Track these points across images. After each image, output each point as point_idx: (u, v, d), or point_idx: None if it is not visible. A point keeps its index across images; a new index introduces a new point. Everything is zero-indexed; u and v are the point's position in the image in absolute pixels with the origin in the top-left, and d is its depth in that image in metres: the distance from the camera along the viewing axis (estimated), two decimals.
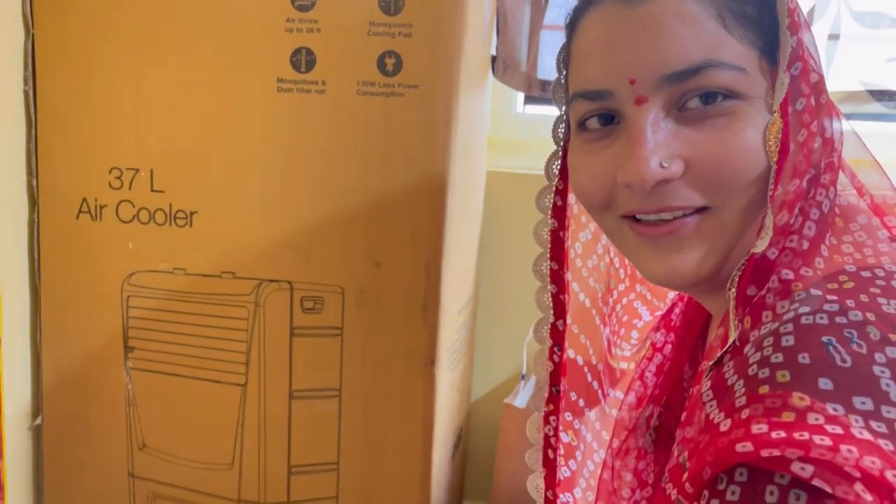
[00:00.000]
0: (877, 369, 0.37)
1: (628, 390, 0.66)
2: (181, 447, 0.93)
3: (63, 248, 0.92)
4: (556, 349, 0.61)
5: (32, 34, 0.88)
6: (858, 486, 0.34)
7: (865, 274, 0.43)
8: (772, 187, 0.45)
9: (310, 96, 0.85)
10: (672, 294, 0.70)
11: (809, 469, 0.35)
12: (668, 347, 0.65)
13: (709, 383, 0.43)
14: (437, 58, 0.84)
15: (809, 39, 0.48)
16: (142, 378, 0.92)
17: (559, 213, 0.61)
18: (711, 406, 0.41)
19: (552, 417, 0.62)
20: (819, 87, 0.47)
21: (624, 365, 0.73)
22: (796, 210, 0.45)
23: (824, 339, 0.39)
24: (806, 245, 0.45)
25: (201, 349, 0.90)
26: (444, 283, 0.88)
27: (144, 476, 0.94)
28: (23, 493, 0.95)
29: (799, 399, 0.37)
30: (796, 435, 0.36)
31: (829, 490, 0.34)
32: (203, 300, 0.89)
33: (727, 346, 0.44)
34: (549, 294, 0.62)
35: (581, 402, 0.65)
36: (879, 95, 1.02)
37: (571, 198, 0.62)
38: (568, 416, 0.64)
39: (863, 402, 0.36)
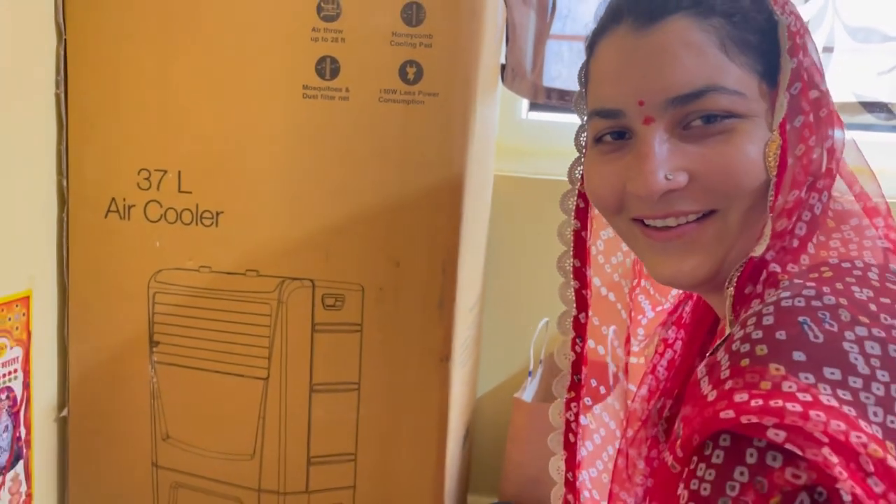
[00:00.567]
0: (846, 345, 0.42)
1: (641, 383, 0.71)
2: (204, 438, 0.96)
3: (91, 246, 0.95)
4: (577, 340, 0.66)
5: (65, 40, 0.91)
6: (825, 450, 0.38)
7: (845, 265, 0.47)
8: (772, 198, 0.50)
9: (334, 103, 0.89)
10: (675, 290, 0.74)
11: (782, 434, 0.39)
12: (679, 343, 0.69)
13: (703, 363, 0.48)
14: (456, 67, 0.88)
15: (811, 59, 0.52)
16: (166, 371, 0.96)
17: (581, 214, 0.66)
18: (704, 382, 0.46)
19: (573, 404, 0.66)
20: (820, 103, 0.52)
21: (633, 360, 0.77)
22: (794, 218, 0.50)
23: (800, 318, 0.43)
24: (795, 243, 0.50)
25: (225, 344, 0.94)
26: (459, 281, 0.92)
27: (167, 466, 0.98)
28: (49, 481, 0.98)
29: (775, 370, 0.41)
30: (772, 403, 0.40)
31: (800, 453, 0.39)
32: (227, 297, 0.93)
33: (723, 338, 0.48)
34: (573, 289, 0.66)
35: (602, 390, 0.69)
36: (871, 107, 1.07)
37: None
38: (588, 401, 0.68)
39: (832, 373, 0.41)
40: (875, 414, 0.41)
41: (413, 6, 0.86)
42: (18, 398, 0.90)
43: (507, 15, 1.13)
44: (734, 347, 0.44)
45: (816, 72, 0.53)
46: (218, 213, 0.92)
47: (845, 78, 1.09)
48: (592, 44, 0.57)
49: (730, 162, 0.50)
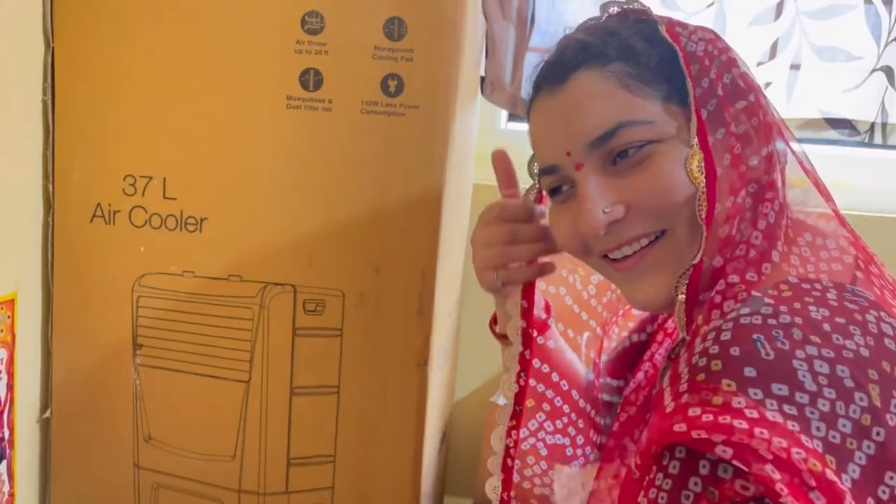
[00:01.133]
0: (795, 363, 0.45)
1: (637, 370, 0.74)
2: (185, 439, 0.98)
3: (76, 250, 0.97)
4: (521, 374, 0.69)
5: (52, 47, 0.93)
6: (769, 467, 0.42)
7: (805, 286, 0.50)
8: (701, 208, 0.54)
9: (317, 113, 0.91)
10: None
11: (730, 451, 0.43)
12: (676, 335, 0.71)
13: (668, 373, 0.51)
14: (436, 81, 0.91)
15: (732, 75, 0.56)
16: (149, 374, 0.98)
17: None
18: (667, 392, 0.49)
19: (513, 431, 0.69)
20: (750, 112, 0.56)
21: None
22: (736, 222, 0.54)
23: (754, 335, 0.46)
24: (753, 253, 0.53)
25: (207, 347, 0.96)
26: (437, 288, 0.94)
27: (149, 467, 0.99)
28: (31, 482, 1.00)
29: (727, 385, 0.44)
30: (720, 419, 0.43)
31: (746, 469, 0.42)
32: (210, 301, 0.95)
33: (677, 341, 0.52)
34: (519, 328, 0.69)
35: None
36: (835, 123, 1.11)
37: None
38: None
39: (780, 389, 0.44)
40: (818, 429, 0.43)
41: (395, 21, 0.89)
42: (2, 399, 0.92)
43: (486, 28, 1.17)
44: (693, 361, 0.47)
45: (742, 85, 0.56)
46: (202, 220, 0.94)
47: (812, 95, 1.13)
48: (528, 112, 0.64)
49: (656, 183, 0.55)
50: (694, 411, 0.45)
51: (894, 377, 0.46)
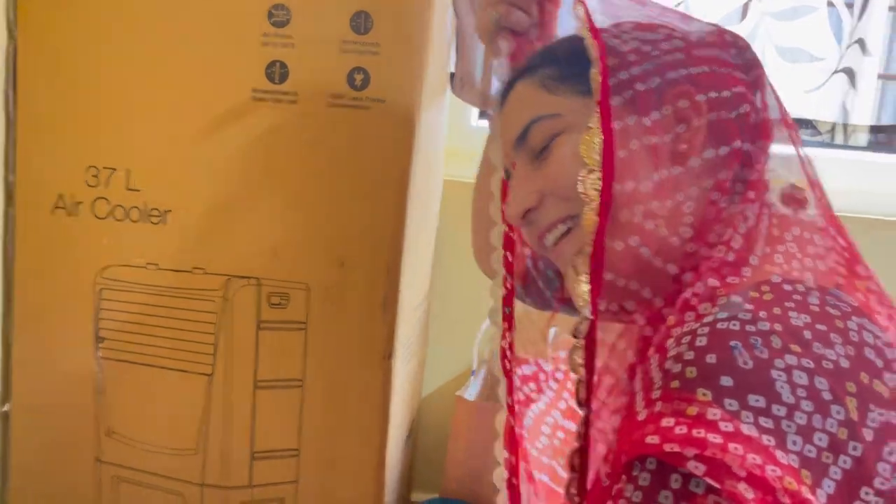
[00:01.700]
0: (774, 373, 0.43)
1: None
2: (148, 433, 0.97)
3: (37, 241, 0.96)
4: (507, 277, 0.69)
5: (16, 38, 0.92)
6: (742, 485, 0.41)
7: (787, 287, 0.49)
8: (597, 189, 0.54)
9: (282, 106, 0.91)
10: None
11: (702, 468, 0.42)
12: None
13: (639, 375, 0.50)
14: (402, 75, 0.91)
15: (676, 73, 0.56)
16: (111, 367, 0.97)
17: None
18: (639, 397, 0.48)
19: (507, 333, 0.68)
20: (698, 107, 0.55)
21: None
22: (641, 209, 0.53)
23: (732, 342, 0.44)
24: (732, 257, 0.52)
25: (170, 340, 0.95)
26: (402, 282, 0.95)
27: (110, 461, 0.98)
28: None
29: (702, 395, 0.43)
30: (694, 432, 0.42)
31: (718, 486, 0.41)
32: (174, 294, 0.95)
33: (580, 319, 0.52)
34: (502, 233, 0.70)
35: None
36: (799, 124, 1.13)
37: None
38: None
39: (756, 400, 0.42)
40: (794, 443, 0.42)
41: (362, 15, 0.89)
42: None
43: (456, 24, 1.17)
44: (667, 366, 0.46)
45: (702, 83, 0.56)
46: (166, 212, 0.94)
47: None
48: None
49: (558, 169, 0.57)
50: (667, 422, 0.43)
51: (872, 390, 0.45)
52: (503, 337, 0.68)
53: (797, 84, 1.14)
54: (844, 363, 0.45)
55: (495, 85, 0.68)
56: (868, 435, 0.44)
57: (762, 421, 0.42)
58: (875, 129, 1.14)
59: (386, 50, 0.90)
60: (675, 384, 0.44)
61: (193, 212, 0.94)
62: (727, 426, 0.42)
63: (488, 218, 0.72)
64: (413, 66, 0.91)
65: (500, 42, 0.68)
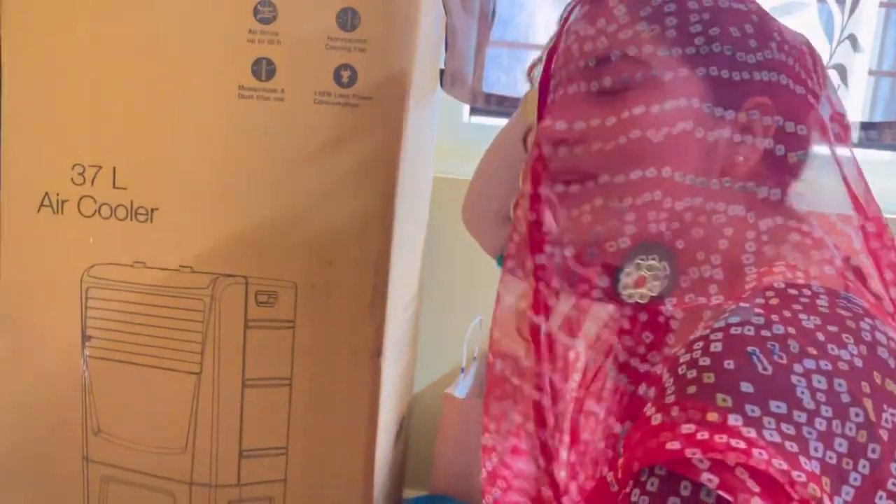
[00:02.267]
0: (794, 378, 0.42)
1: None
2: (136, 432, 0.97)
3: (24, 240, 0.95)
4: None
5: None
6: (756, 500, 0.39)
7: (792, 291, 0.47)
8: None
9: (269, 103, 0.90)
10: None
11: (715, 480, 0.40)
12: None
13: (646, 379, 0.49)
14: (390, 72, 0.90)
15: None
16: (99, 366, 0.96)
17: None
18: (650, 404, 0.46)
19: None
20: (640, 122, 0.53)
21: None
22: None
23: (749, 349, 0.43)
24: (726, 267, 0.51)
25: (158, 339, 0.95)
26: (391, 281, 0.94)
27: (98, 460, 0.98)
28: None
29: (722, 400, 0.41)
30: (717, 438, 0.41)
31: (730, 499, 0.40)
32: (161, 293, 0.94)
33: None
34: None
35: None
36: None
37: None
38: None
39: (778, 406, 0.41)
40: (815, 449, 0.41)
41: (348, 11, 0.89)
42: None
43: (447, 21, 1.16)
44: (680, 371, 0.45)
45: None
46: (153, 210, 0.93)
47: None
48: None
49: (624, 127, 0.53)
50: (687, 428, 0.42)
51: (885, 390, 0.44)
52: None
53: None
54: (858, 363, 0.44)
55: None
56: (885, 436, 0.43)
57: (784, 427, 0.41)
58: (866, 126, 1.13)
59: (373, 47, 0.89)
60: (691, 390, 0.43)
61: (180, 210, 0.93)
62: (750, 432, 0.41)
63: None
64: (401, 63, 0.91)
65: None
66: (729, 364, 0.43)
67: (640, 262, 0.54)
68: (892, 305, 0.52)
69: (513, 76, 1.35)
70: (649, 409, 0.45)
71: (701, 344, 0.45)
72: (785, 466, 0.40)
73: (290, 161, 0.91)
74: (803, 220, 0.54)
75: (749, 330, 0.44)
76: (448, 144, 1.31)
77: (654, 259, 0.54)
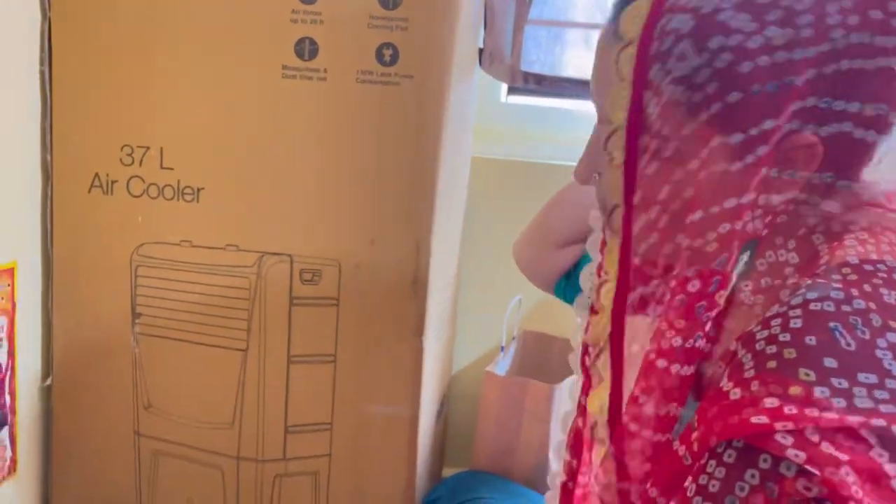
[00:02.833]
0: (879, 352, 0.41)
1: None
2: (184, 407, 0.99)
3: (75, 220, 0.97)
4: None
5: (49, 17, 0.93)
6: (843, 470, 0.39)
7: (868, 267, 0.46)
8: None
9: (312, 83, 0.91)
10: None
11: (802, 455, 0.40)
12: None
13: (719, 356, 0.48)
14: (431, 50, 0.91)
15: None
16: (148, 343, 0.99)
17: None
18: (724, 379, 0.45)
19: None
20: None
21: None
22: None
23: (831, 324, 0.42)
24: (807, 245, 0.50)
25: (205, 316, 0.97)
26: (432, 259, 0.95)
27: (149, 434, 1.01)
28: (33, 448, 1.01)
29: (805, 375, 0.41)
30: (807, 411, 0.40)
31: (817, 473, 0.40)
32: (208, 271, 0.96)
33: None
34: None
35: None
36: None
37: None
38: None
39: (867, 377, 0.41)
40: None
41: None
42: (3, 367, 0.93)
43: (485, 0, 1.16)
44: (758, 347, 0.44)
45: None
46: (199, 189, 0.95)
47: None
48: None
49: None
50: (770, 402, 0.41)
51: None
52: (586, 331, 0.61)
53: None
54: None
55: None
56: None
57: (877, 394, 0.40)
58: None
59: (415, 25, 0.89)
60: (771, 364, 0.43)
61: (226, 189, 0.95)
62: (839, 402, 0.40)
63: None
64: (442, 41, 0.91)
65: None
66: (810, 340, 0.42)
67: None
68: None
69: (551, 55, 1.34)
70: (726, 385, 0.45)
71: (780, 320, 0.44)
72: (884, 423, 0.39)
73: (333, 140, 0.92)
74: (873, 197, 0.53)
75: (829, 305, 0.43)
76: (485, 125, 1.31)
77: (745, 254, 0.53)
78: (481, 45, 1.18)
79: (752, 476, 0.42)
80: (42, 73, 0.95)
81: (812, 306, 0.44)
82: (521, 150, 1.30)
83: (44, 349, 1.01)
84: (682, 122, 0.49)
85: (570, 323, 0.74)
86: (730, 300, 0.54)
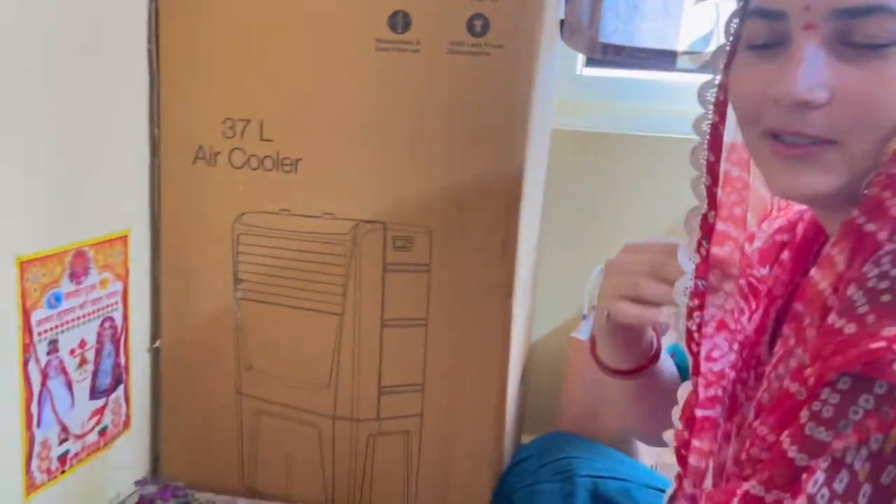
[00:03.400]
0: None
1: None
2: (283, 369, 1.05)
3: (181, 190, 1.03)
4: (703, 241, 0.60)
5: None
6: None
7: None
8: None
9: (405, 55, 0.94)
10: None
11: None
12: (788, 262, 0.66)
13: (827, 292, 0.48)
14: (521, 20, 0.92)
15: None
16: (249, 307, 1.04)
17: (721, 107, 0.61)
18: (835, 316, 0.46)
19: (696, 313, 0.60)
20: None
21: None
22: None
23: None
24: None
25: (303, 282, 1.01)
26: (521, 223, 0.97)
27: (250, 394, 1.06)
28: (144, 406, 1.08)
29: None
30: None
31: None
32: (306, 238, 1.00)
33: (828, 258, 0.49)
34: (704, 185, 0.61)
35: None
36: None
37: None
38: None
39: None
40: None
41: None
42: (119, 329, 1.00)
43: None
44: (870, 285, 0.45)
45: None
46: (297, 160, 0.99)
47: None
48: None
49: (874, 93, 0.49)
50: (891, 329, 0.42)
51: None
52: (689, 317, 0.60)
53: None
54: None
55: None
56: None
57: None
58: None
59: None
60: (885, 298, 0.44)
61: (322, 160, 0.99)
62: None
63: None
64: (531, 11, 0.93)
65: None
66: None
67: None
68: None
69: (629, 26, 1.34)
70: (838, 322, 0.46)
71: (889, 258, 0.45)
72: None
73: (425, 111, 0.95)
74: None
75: None
76: (563, 96, 1.32)
77: None
78: (562, 17, 1.20)
79: (867, 401, 0.43)
80: (149, 51, 1.00)
81: None
82: (599, 122, 1.32)
83: (152, 313, 1.07)
84: None
85: None
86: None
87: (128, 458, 1.05)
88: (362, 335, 1.01)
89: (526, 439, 1.29)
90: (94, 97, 0.90)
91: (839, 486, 0.43)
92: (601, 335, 0.72)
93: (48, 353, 0.87)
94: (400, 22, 0.94)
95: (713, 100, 0.61)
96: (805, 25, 0.50)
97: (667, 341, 0.75)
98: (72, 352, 0.91)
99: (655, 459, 1.16)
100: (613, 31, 1.30)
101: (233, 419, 1.07)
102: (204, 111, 1.00)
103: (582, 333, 1.12)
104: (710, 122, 0.61)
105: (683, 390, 0.62)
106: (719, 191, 0.61)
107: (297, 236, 1.01)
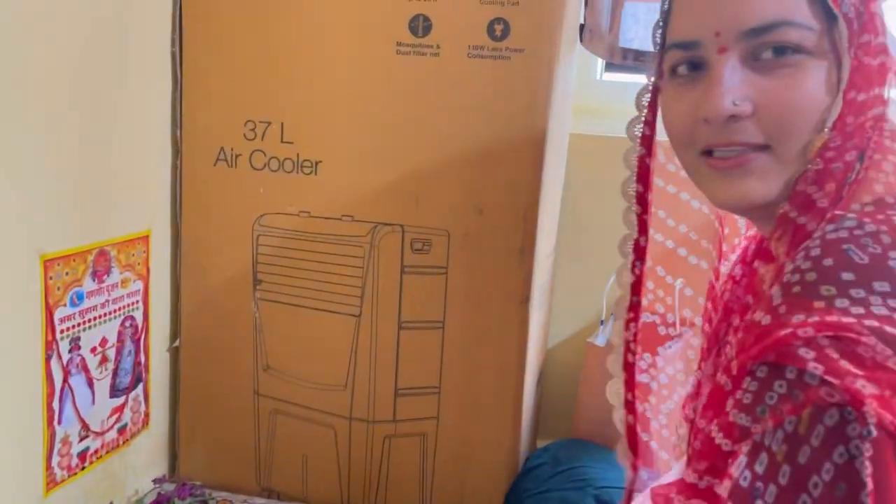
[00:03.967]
0: (891, 262, 0.46)
1: (715, 310, 0.74)
2: (301, 369, 1.05)
3: (202, 191, 1.04)
4: (637, 263, 0.69)
5: (180, 2, 0.99)
6: (860, 382, 0.42)
7: (889, 199, 0.50)
8: (822, 137, 0.53)
9: (425, 58, 0.95)
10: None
11: (820, 367, 0.44)
12: (743, 280, 0.72)
13: (767, 284, 0.52)
14: (541, 25, 0.93)
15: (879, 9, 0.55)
16: (268, 308, 1.05)
17: (647, 141, 0.68)
18: (759, 311, 0.49)
19: (632, 324, 0.69)
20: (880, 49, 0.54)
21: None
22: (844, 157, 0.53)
23: (844, 246, 0.47)
24: (845, 186, 0.53)
25: (321, 283, 1.02)
26: (538, 228, 0.97)
27: (267, 394, 1.07)
28: (162, 404, 1.09)
29: (826, 290, 0.46)
30: (827, 318, 0.44)
31: (836, 382, 0.43)
32: (324, 240, 1.01)
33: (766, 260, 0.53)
34: (634, 214, 0.69)
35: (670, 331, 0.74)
36: None
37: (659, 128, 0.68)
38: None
39: (881, 285, 0.45)
40: None
41: None
42: (139, 327, 1.01)
43: None
44: (785, 279, 0.48)
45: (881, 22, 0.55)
46: (317, 163, 1.00)
47: None
48: None
49: (792, 98, 0.53)
50: (798, 318, 0.46)
51: None
52: (626, 328, 0.68)
53: None
54: None
55: None
56: None
57: (892, 302, 0.44)
58: None
59: (526, 0, 0.92)
60: (796, 289, 0.47)
61: (342, 162, 0.99)
62: (858, 309, 0.44)
63: None
64: (551, 15, 0.93)
65: None
66: (827, 262, 0.47)
67: None
68: None
69: (649, 32, 1.34)
70: (757, 316, 0.49)
71: (802, 254, 0.49)
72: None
73: (444, 114, 0.96)
74: None
75: (843, 232, 0.48)
76: (582, 101, 1.32)
77: None
78: (582, 21, 1.20)
79: (780, 386, 0.46)
80: (173, 55, 1.01)
81: (828, 236, 0.48)
82: (618, 127, 1.31)
83: (172, 312, 1.08)
84: None
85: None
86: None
87: (146, 456, 1.06)
88: (379, 337, 1.02)
89: (541, 444, 1.28)
90: (119, 100, 0.92)
91: (760, 468, 0.46)
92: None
93: (70, 351, 0.88)
94: (421, 26, 0.95)
95: (640, 135, 0.68)
96: (719, 49, 0.55)
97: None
98: (93, 350, 0.92)
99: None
100: (633, 37, 1.30)
101: (250, 419, 1.08)
102: (226, 113, 1.02)
103: (599, 339, 1.12)
104: (637, 155, 0.69)
105: (618, 418, 0.72)
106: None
107: (317, 238, 1.01)
